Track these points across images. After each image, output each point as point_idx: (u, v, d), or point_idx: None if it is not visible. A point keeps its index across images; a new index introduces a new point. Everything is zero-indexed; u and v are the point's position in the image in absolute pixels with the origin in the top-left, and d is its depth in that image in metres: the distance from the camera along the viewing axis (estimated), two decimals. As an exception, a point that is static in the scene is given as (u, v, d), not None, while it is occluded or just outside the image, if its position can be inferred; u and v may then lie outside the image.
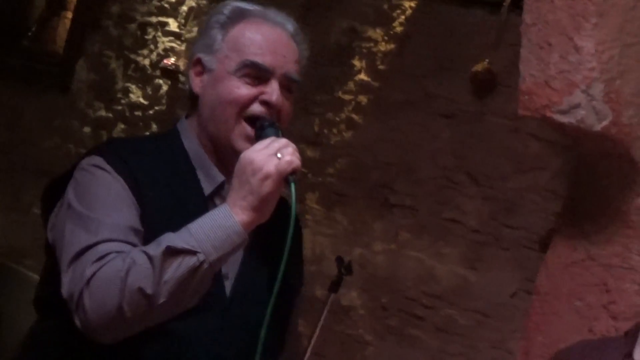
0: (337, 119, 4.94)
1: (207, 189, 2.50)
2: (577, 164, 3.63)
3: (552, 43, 3.21)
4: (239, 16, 2.56)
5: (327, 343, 4.44)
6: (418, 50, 4.71)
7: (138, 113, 5.89)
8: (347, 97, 4.93)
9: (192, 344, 2.40)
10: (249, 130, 2.45)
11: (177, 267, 2.21)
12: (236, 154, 2.43)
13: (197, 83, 2.56)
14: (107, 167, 2.38)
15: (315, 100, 5.01)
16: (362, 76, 4.90)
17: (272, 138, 2.40)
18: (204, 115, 2.52)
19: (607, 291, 3.40)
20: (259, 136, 2.46)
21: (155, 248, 2.22)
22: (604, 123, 3.23)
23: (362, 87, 4.88)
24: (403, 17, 4.80)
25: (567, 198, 3.74)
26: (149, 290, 2.17)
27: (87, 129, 6.11)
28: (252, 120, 2.47)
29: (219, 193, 2.51)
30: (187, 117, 2.63)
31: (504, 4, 4.30)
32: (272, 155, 2.33)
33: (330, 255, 4.60)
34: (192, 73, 2.58)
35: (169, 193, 2.40)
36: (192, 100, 2.61)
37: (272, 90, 2.46)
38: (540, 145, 4.19)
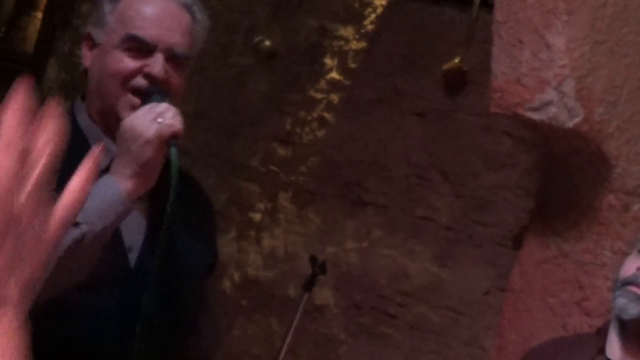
0: (309, 117, 4.93)
1: (103, 162, 2.47)
2: (548, 162, 3.64)
3: (524, 40, 3.22)
4: None
5: (300, 342, 4.43)
6: (389, 48, 4.71)
7: (108, 113, 5.87)
8: (318, 95, 4.92)
9: (99, 318, 2.38)
10: (134, 100, 2.42)
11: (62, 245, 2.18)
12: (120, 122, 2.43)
13: (87, 57, 2.53)
14: None
15: (287, 99, 5.00)
16: (334, 74, 4.89)
17: (153, 104, 2.37)
18: (92, 90, 2.50)
19: (580, 288, 3.41)
20: (144, 103, 2.44)
21: None
22: (576, 120, 3.24)
23: (334, 86, 4.88)
24: (374, 15, 4.80)
25: (538, 195, 3.76)
26: None
27: (57, 129, 6.08)
28: (138, 92, 2.45)
29: None
30: (82, 96, 2.61)
31: (475, 1, 4.31)
32: (153, 120, 2.31)
33: (303, 254, 4.59)
34: (83, 48, 2.56)
35: (65, 171, 2.34)
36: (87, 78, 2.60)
37: (155, 63, 2.44)
38: (512, 142, 4.20)
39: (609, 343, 2.89)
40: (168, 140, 2.32)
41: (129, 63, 2.42)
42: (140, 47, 2.44)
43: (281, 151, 4.96)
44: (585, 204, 3.44)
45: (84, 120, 2.50)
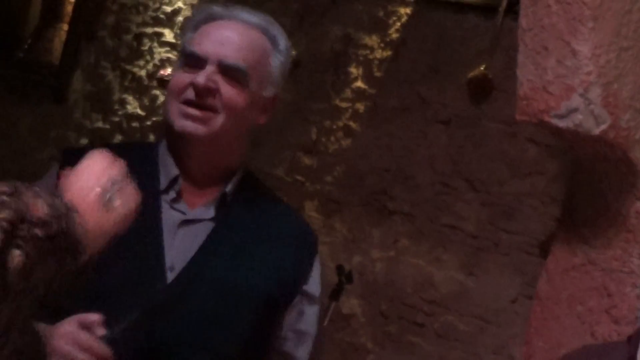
0: (335, 126, 4.94)
1: (163, 183, 2.50)
2: (575, 169, 3.63)
3: (549, 48, 3.20)
4: (208, 18, 2.56)
5: (327, 351, 4.43)
6: (414, 56, 4.71)
7: (135, 124, 5.89)
8: (344, 104, 4.92)
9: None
10: (184, 108, 2.44)
11: None
12: (179, 136, 2.43)
13: None
14: None
15: (312, 108, 5.01)
16: (359, 83, 4.90)
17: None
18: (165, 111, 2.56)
19: (608, 295, 3.39)
20: None
21: None
22: (602, 127, 3.22)
23: (359, 95, 4.88)
24: (398, 23, 4.80)
25: (565, 203, 3.74)
26: None
27: (84, 140, 6.11)
28: (191, 103, 2.47)
29: (173, 187, 2.50)
30: None
31: (500, 9, 4.30)
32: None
33: (330, 263, 4.59)
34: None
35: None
36: None
37: (201, 74, 2.45)
38: (538, 149, 4.19)
39: (640, 351, 2.87)
40: None
41: (183, 78, 2.45)
42: (194, 63, 2.46)
43: (307, 160, 4.97)
44: (612, 211, 3.42)
45: (161, 144, 2.53)
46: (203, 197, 2.50)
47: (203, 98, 2.42)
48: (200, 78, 2.43)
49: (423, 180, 4.56)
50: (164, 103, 2.53)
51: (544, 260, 3.68)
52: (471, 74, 4.40)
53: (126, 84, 6.01)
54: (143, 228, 2.22)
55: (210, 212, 2.49)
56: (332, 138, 4.93)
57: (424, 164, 4.57)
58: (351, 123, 4.87)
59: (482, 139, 4.40)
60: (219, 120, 2.44)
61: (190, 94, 2.44)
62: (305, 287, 2.57)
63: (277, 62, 2.59)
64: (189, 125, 2.41)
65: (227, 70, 2.47)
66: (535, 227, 4.12)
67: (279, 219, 2.56)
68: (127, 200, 1.91)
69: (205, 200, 2.50)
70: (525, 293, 4.05)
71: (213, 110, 2.43)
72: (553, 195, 4.07)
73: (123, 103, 5.98)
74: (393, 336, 4.51)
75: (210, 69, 2.44)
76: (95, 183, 1.84)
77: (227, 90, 2.45)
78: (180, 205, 2.48)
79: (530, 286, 3.93)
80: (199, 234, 2.45)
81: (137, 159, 2.29)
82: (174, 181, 2.49)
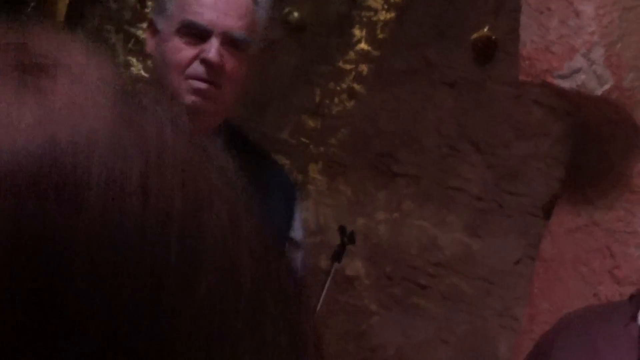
0: (339, 88, 4.93)
1: None
2: (579, 130, 3.62)
3: (552, 8, 3.19)
4: None
5: (332, 313, 4.44)
6: (418, 18, 4.69)
7: (140, 86, 5.88)
8: (348, 66, 4.91)
9: None
10: (195, 84, 2.42)
11: None
12: (187, 109, 2.42)
13: (150, 44, 2.53)
14: None
15: (316, 70, 4.99)
16: (363, 45, 4.88)
17: None
18: (157, 77, 2.50)
19: (611, 256, 3.39)
20: None
21: None
22: (605, 87, 3.21)
23: (363, 57, 4.87)
24: (403, -15, 4.78)
25: (569, 164, 3.73)
26: None
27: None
28: (197, 77, 2.44)
29: None
30: None
31: (504, -31, 4.28)
32: None
33: (334, 225, 4.60)
34: (147, 34, 2.56)
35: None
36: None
37: (210, 48, 2.42)
38: (543, 111, 4.18)
39: (642, 311, 2.87)
40: None
41: (186, 51, 2.41)
42: (196, 33, 2.43)
43: (311, 123, 4.96)
44: (616, 172, 3.42)
45: None
46: None
47: (211, 74, 2.40)
48: (213, 55, 2.39)
49: (428, 142, 4.56)
50: (162, 73, 2.47)
51: (547, 221, 3.68)
52: (475, 36, 4.39)
53: (130, 46, 6.00)
54: None
55: None
56: (336, 100, 4.92)
57: (430, 126, 4.57)
58: (355, 85, 4.86)
59: (487, 101, 4.39)
60: (225, 94, 2.43)
61: (199, 69, 2.40)
62: (290, 234, 2.61)
63: (261, 18, 2.57)
64: (199, 102, 2.39)
65: (232, 42, 2.45)
66: (539, 189, 4.11)
67: (262, 170, 2.57)
68: None
69: None
70: (529, 254, 4.05)
71: (217, 84, 2.42)
72: (557, 157, 4.07)
73: (127, 65, 5.98)
74: (397, 298, 4.52)
75: (216, 41, 2.42)
76: None
77: (231, 63, 2.44)
78: None
79: (534, 247, 3.93)
80: None
81: None
82: None
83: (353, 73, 4.89)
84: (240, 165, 2.26)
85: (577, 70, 3.17)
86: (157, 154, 0.52)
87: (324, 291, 2.88)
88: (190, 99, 2.40)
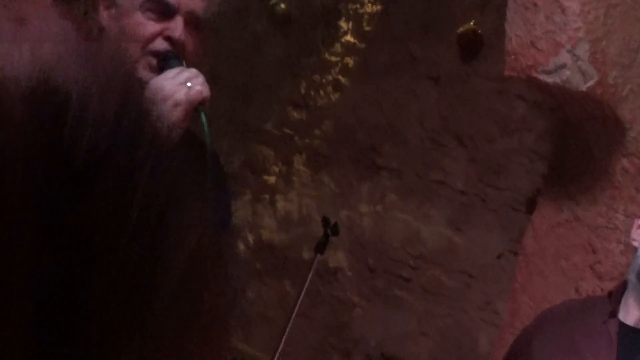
0: (324, 81, 4.93)
1: None
2: (562, 126, 3.63)
3: (538, 4, 3.20)
4: None
5: (314, 305, 4.45)
6: (404, 11, 4.69)
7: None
8: (333, 59, 4.91)
9: None
10: (152, 61, 2.42)
11: None
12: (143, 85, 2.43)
13: (104, 16, 2.51)
14: None
15: (302, 62, 5.00)
16: (349, 38, 4.88)
17: (182, 67, 2.39)
18: None
19: (593, 251, 3.41)
20: (162, 67, 2.44)
21: None
22: (590, 83, 3.22)
23: (348, 49, 4.87)
24: (389, -22, 4.78)
25: (552, 159, 3.75)
26: None
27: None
28: (156, 55, 2.45)
29: None
30: None
31: (491, -35, 4.28)
32: (182, 83, 2.33)
33: (317, 217, 4.60)
34: (100, 8, 2.54)
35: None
36: (93, 29, 2.56)
37: (176, 27, 2.42)
38: (527, 107, 4.19)
39: (625, 308, 2.89)
40: (196, 106, 2.35)
41: (150, 26, 2.41)
42: (162, 10, 2.43)
43: (296, 115, 4.96)
44: (598, 168, 3.43)
45: None
46: None
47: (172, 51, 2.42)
48: (177, 32, 2.40)
49: (412, 136, 4.56)
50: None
51: (530, 216, 3.70)
52: (461, 30, 4.39)
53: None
54: None
55: None
56: (322, 92, 4.92)
57: (413, 120, 4.57)
58: (340, 77, 4.87)
59: (472, 95, 4.40)
60: None
61: (160, 45, 2.41)
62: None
63: (215, 1, 2.57)
64: (153, 78, 2.40)
65: (194, 21, 2.46)
66: (522, 184, 4.13)
67: (199, 156, 2.56)
68: None
69: None
70: (511, 249, 4.07)
71: None
72: (540, 152, 4.08)
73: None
74: (379, 291, 4.53)
75: (181, 20, 2.43)
76: None
77: (191, 42, 2.45)
78: None
79: (516, 242, 3.95)
80: None
81: None
82: None
83: (338, 65, 4.89)
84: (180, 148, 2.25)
85: (562, 66, 3.18)
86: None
87: (307, 282, 2.88)
88: (147, 75, 2.40)
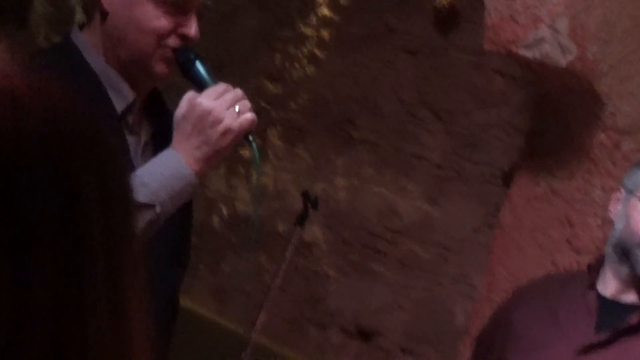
0: (299, 54, 4.91)
1: (119, 106, 2.43)
2: (540, 100, 3.64)
3: (518, -23, 3.20)
4: None
5: (290, 278, 4.45)
6: (381, -16, 4.68)
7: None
8: (309, 31, 4.90)
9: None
10: (168, 53, 2.39)
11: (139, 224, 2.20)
12: (152, 76, 2.39)
13: (107, 1, 2.44)
14: None
15: (277, 35, 4.98)
16: (324, 10, 4.86)
17: (225, 86, 2.35)
18: (114, 37, 2.41)
19: (570, 225, 3.43)
20: (185, 68, 2.41)
21: None
22: (569, 58, 3.23)
23: (324, 22, 4.85)
24: (365, -50, 4.76)
25: (530, 133, 3.76)
26: None
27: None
28: (170, 48, 2.42)
29: (131, 110, 2.45)
30: (81, 28, 2.52)
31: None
32: (231, 107, 2.30)
33: (293, 190, 4.60)
34: None
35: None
36: (89, 11, 2.50)
37: (191, 24, 2.40)
38: (504, 81, 4.20)
39: (603, 280, 2.91)
40: (246, 134, 2.32)
41: (166, 22, 2.36)
42: (177, 8, 2.39)
43: (271, 87, 4.95)
44: (576, 142, 3.45)
45: (95, 60, 2.43)
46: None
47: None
48: (194, 30, 2.38)
49: (389, 109, 4.56)
50: (127, 33, 2.41)
51: (507, 190, 3.71)
52: (438, 3, 4.39)
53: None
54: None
55: (148, 130, 2.48)
56: (297, 65, 4.91)
57: (390, 93, 4.57)
58: (316, 50, 4.85)
59: (449, 69, 4.39)
60: None
61: (175, 42, 2.38)
62: None
63: None
64: (168, 72, 2.38)
65: (199, 11, 2.44)
66: (499, 158, 4.14)
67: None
68: None
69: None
70: (488, 223, 4.08)
71: None
72: (518, 126, 4.09)
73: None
74: (355, 264, 4.54)
75: (194, 17, 2.40)
76: None
77: (197, 30, 2.43)
78: (134, 129, 2.45)
79: (492, 216, 3.96)
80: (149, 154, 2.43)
81: (71, 75, 2.22)
82: (131, 105, 2.44)
83: (314, 38, 4.87)
84: (157, 126, 2.27)
85: (542, 41, 3.19)
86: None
87: (287, 255, 2.88)
88: (162, 69, 2.37)
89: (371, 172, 4.55)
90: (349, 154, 4.65)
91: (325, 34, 4.85)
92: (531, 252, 3.51)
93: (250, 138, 2.33)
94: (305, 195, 3.09)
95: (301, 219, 3.01)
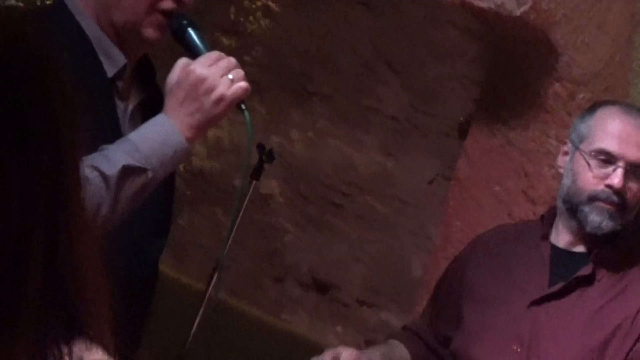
0: (254, 6, 4.87)
1: (110, 71, 2.41)
2: (495, 51, 3.64)
3: None
4: None
5: (246, 232, 4.44)
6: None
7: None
8: (263, -16, 4.86)
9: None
10: (160, 19, 2.36)
11: (130, 186, 2.18)
12: (144, 41, 2.36)
13: None
14: None
15: (231, -12, 4.93)
16: (279, -37, 4.83)
17: (218, 53, 2.33)
18: (108, 0, 2.40)
19: (526, 175, 3.44)
20: (179, 34, 2.38)
21: (109, 167, 2.16)
22: (524, 8, 3.23)
23: (279, -26, 4.81)
24: None
25: (485, 85, 3.76)
26: (103, 212, 2.14)
27: None
28: (163, 13, 2.38)
29: (121, 76, 2.43)
30: None
31: None
32: (224, 75, 2.28)
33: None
34: None
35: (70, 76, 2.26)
36: None
37: None
38: (459, 33, 4.19)
39: (556, 231, 2.93)
40: (239, 103, 2.30)
41: None
42: None
43: (225, 41, 4.91)
44: (531, 93, 3.45)
45: (87, 23, 2.39)
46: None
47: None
48: None
49: (344, 62, 4.54)
50: (126, 4, 2.37)
51: (463, 142, 3.71)
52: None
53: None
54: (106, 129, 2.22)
55: (136, 96, 2.46)
56: (251, 18, 4.87)
57: (345, 46, 4.55)
58: (270, 3, 4.81)
59: (403, 22, 4.37)
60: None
61: (168, 4, 2.34)
62: None
63: None
64: (160, 37, 2.36)
65: None
66: (454, 110, 4.14)
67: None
68: None
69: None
70: (444, 174, 4.09)
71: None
72: (473, 78, 4.09)
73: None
74: (312, 217, 4.53)
75: None
76: None
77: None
78: (123, 95, 2.43)
79: (448, 168, 3.97)
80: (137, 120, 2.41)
81: (62, 36, 2.20)
82: (122, 69, 2.41)
83: (269, -9, 4.84)
84: (146, 93, 2.27)
85: (496, -10, 3.18)
86: None
87: (242, 209, 2.86)
88: (154, 33, 2.34)
89: (326, 125, 4.54)
90: (304, 107, 4.63)
91: (279, -14, 4.81)
92: (487, 203, 3.52)
93: (243, 107, 2.32)
94: (260, 148, 3.06)
95: (256, 172, 2.99)
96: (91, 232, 1.05)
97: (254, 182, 2.95)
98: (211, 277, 2.91)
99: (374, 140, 4.38)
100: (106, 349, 1.06)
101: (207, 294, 2.89)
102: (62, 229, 1.01)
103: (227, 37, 4.91)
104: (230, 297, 4.46)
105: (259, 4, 4.86)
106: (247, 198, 3.01)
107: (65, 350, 1.00)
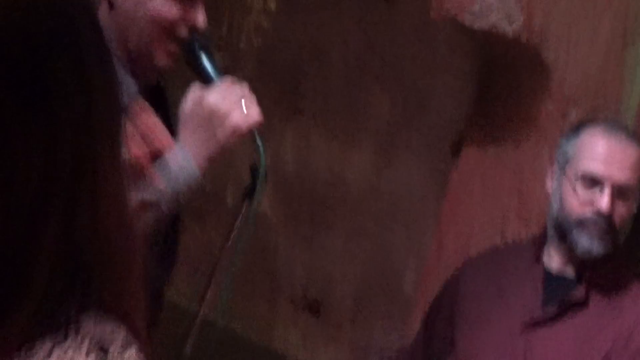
0: (245, 23, 4.88)
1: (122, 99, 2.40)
2: (487, 68, 3.63)
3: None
4: None
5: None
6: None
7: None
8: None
9: None
10: (173, 48, 2.35)
11: (144, 220, 2.17)
12: (154, 68, 2.35)
13: None
14: None
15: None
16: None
17: (231, 81, 2.33)
18: (122, 27, 2.37)
19: (519, 195, 3.43)
20: (191, 59, 2.37)
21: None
22: (515, 27, 3.22)
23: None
24: None
25: (477, 102, 3.75)
26: None
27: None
28: (177, 41, 2.37)
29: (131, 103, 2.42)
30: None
31: None
32: (237, 103, 2.27)
33: (238, 161, 4.56)
34: None
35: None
36: (95, 1, 2.46)
37: (199, 14, 2.35)
38: (451, 49, 4.17)
39: (548, 254, 2.91)
40: (253, 134, 2.31)
41: (175, 11, 2.31)
42: None
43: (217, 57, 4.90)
44: (523, 111, 3.44)
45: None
46: None
47: None
48: (202, 20, 2.32)
49: (335, 77, 4.54)
50: (134, 20, 2.36)
51: (455, 159, 3.70)
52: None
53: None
54: None
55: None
56: (243, 36, 4.87)
57: (336, 62, 4.54)
58: (262, 19, 4.81)
59: (395, 37, 4.36)
60: None
61: (182, 32, 2.33)
62: None
63: None
64: (171, 65, 2.35)
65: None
66: (447, 126, 4.12)
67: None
68: None
69: None
70: (436, 192, 4.06)
71: None
72: (466, 96, 4.07)
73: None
74: (303, 234, 4.52)
75: (201, 6, 2.35)
76: None
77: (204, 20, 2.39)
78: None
79: (440, 185, 3.95)
80: None
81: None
82: (133, 99, 2.40)
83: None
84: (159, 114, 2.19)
85: (489, 9, 3.18)
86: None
87: (235, 231, 2.84)
88: (165, 61, 2.33)
89: (318, 141, 4.52)
90: (295, 124, 4.61)
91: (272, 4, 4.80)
92: (479, 221, 3.51)
93: (257, 138, 2.33)
94: (254, 169, 3.04)
95: (250, 194, 2.96)
96: (122, 214, 1.01)
97: (255, 204, 2.92)
98: (203, 298, 2.89)
99: (365, 157, 4.37)
100: (133, 331, 1.03)
101: (199, 315, 2.87)
102: (85, 202, 0.98)
103: (219, 53, 4.91)
104: (222, 317, 4.44)
105: (250, 21, 4.86)
106: (240, 219, 2.99)
107: (72, 323, 0.97)
